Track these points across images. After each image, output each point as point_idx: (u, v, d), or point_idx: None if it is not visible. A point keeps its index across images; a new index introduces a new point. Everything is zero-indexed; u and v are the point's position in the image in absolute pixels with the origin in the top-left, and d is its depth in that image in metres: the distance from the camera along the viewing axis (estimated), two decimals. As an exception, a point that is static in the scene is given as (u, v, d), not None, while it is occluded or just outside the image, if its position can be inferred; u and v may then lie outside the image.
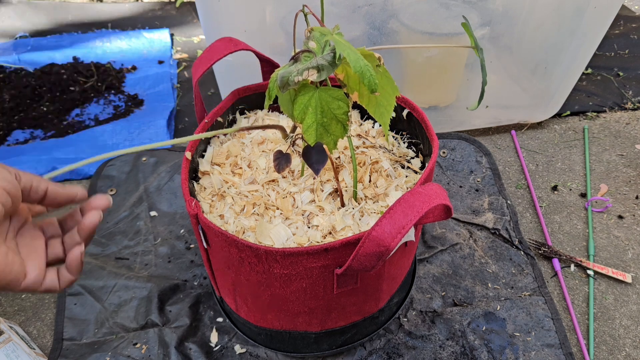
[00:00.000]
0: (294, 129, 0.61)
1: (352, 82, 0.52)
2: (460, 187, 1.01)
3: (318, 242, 0.58)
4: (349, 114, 0.51)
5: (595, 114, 1.21)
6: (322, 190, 0.64)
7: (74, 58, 1.40)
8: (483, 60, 0.55)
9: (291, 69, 0.45)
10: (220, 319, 0.80)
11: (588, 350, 0.77)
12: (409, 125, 0.71)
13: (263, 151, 0.70)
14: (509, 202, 0.97)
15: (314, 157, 0.52)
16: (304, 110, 0.49)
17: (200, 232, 0.56)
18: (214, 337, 0.78)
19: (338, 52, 0.45)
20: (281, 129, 0.57)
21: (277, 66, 0.72)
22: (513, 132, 1.16)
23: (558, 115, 1.20)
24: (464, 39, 0.99)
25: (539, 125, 1.19)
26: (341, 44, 0.46)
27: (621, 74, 1.33)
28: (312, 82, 0.49)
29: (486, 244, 0.91)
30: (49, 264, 0.43)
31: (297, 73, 0.45)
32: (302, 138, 0.52)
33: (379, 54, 0.52)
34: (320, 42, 0.47)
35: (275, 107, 0.77)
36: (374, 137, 0.73)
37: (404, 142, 0.72)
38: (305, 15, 0.52)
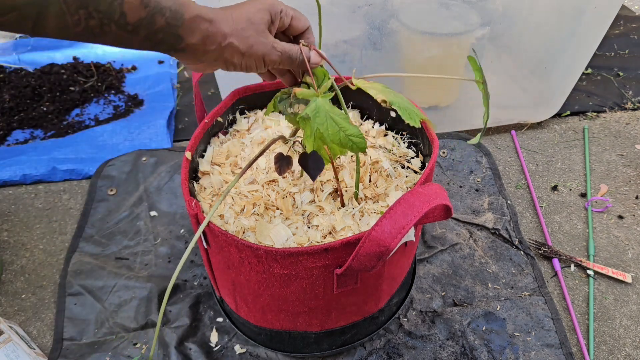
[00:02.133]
0: (294, 132, 0.62)
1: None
2: (460, 187, 1.01)
3: (318, 242, 0.58)
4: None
5: (595, 114, 1.21)
6: (322, 190, 0.64)
7: (74, 58, 1.40)
8: (487, 97, 0.56)
9: (284, 104, 0.54)
10: (220, 319, 0.80)
11: (588, 350, 0.77)
12: (409, 125, 0.71)
13: (263, 151, 0.70)
14: (509, 202, 0.97)
15: (311, 163, 0.53)
16: (305, 120, 0.51)
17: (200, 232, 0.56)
18: (214, 337, 0.78)
19: (314, 126, 0.50)
20: (283, 139, 0.58)
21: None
22: (513, 132, 1.16)
23: (558, 115, 1.20)
24: (464, 39, 0.99)
25: (539, 125, 1.19)
26: (322, 114, 0.50)
27: (621, 74, 1.33)
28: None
29: (486, 244, 0.91)
30: None
31: (289, 108, 0.54)
32: (301, 142, 0.52)
33: (384, 81, 0.56)
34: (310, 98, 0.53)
35: (275, 107, 0.77)
36: (373, 137, 0.73)
37: (404, 142, 0.72)
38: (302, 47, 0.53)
